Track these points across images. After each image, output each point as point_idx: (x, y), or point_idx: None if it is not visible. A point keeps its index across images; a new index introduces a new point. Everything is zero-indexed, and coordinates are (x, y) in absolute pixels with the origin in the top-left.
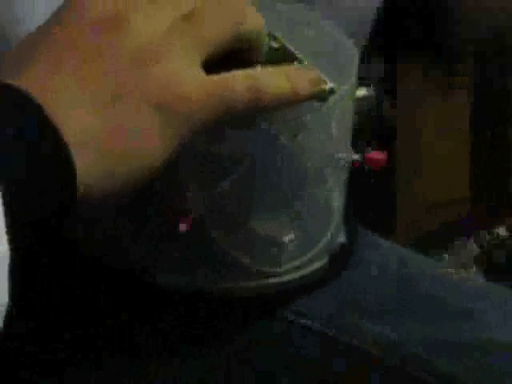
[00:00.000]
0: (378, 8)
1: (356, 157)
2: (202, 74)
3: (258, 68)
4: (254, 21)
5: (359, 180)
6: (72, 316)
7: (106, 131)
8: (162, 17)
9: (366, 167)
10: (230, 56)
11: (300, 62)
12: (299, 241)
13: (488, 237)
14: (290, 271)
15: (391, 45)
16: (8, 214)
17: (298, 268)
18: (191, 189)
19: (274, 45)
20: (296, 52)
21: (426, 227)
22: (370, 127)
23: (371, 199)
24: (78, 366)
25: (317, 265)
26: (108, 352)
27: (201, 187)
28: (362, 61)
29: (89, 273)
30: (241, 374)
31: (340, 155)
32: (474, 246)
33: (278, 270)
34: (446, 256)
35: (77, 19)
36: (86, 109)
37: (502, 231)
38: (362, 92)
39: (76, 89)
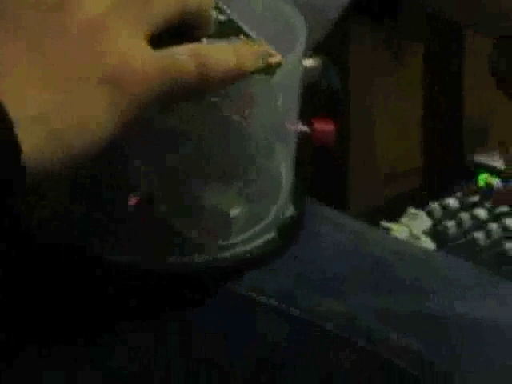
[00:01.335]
0: None
1: (304, 128)
2: (149, 49)
3: (204, 41)
4: None
5: (311, 153)
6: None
7: (55, 107)
8: None
9: (317, 140)
10: (176, 29)
11: (247, 35)
12: (247, 214)
13: (439, 208)
14: (238, 245)
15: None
16: None
17: (247, 241)
18: (138, 164)
19: (221, 18)
20: (242, 25)
21: (378, 199)
22: (319, 98)
23: (323, 172)
24: (32, 346)
25: (266, 237)
26: (62, 333)
27: (148, 162)
28: None
29: (39, 258)
30: (197, 350)
31: (288, 127)
32: (426, 217)
33: (227, 243)
34: (397, 227)
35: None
36: (35, 86)
37: (452, 203)
38: (309, 62)
39: (25, 67)
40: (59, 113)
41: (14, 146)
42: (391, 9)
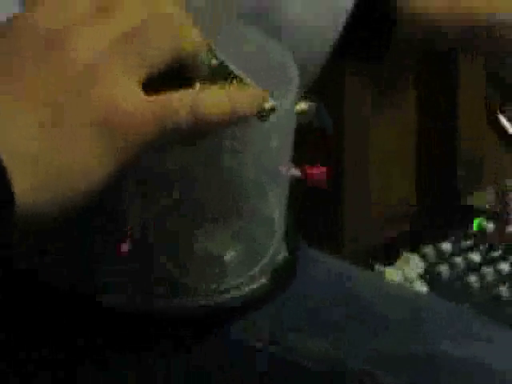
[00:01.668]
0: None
1: (297, 172)
2: (142, 94)
3: (197, 85)
4: (194, 39)
5: (306, 195)
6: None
7: (45, 154)
8: (102, 36)
9: (310, 183)
10: (170, 73)
11: (240, 79)
12: (241, 258)
13: (433, 252)
14: (233, 289)
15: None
16: None
17: (241, 285)
18: (132, 208)
19: (214, 62)
20: (236, 69)
21: (372, 242)
22: (313, 141)
23: (318, 215)
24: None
25: (259, 282)
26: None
27: (141, 206)
28: None
29: (30, 294)
30: None
31: (280, 171)
32: (419, 260)
33: (220, 288)
34: (392, 270)
35: (13, 38)
36: (26, 132)
37: (446, 246)
38: (302, 106)
39: (16, 112)
40: (51, 157)
41: (6, 189)
42: (378, 53)
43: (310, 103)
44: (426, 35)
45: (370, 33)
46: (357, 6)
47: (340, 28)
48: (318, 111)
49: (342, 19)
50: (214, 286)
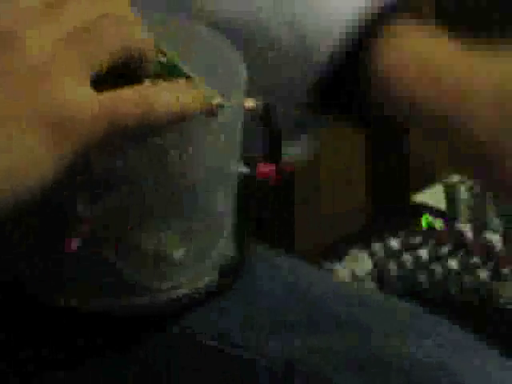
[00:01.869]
0: None
1: (245, 169)
2: (91, 91)
3: (146, 82)
4: (142, 36)
5: (256, 193)
6: None
7: None
8: (49, 34)
9: (258, 182)
10: (118, 70)
11: (188, 77)
12: (188, 255)
13: (381, 249)
14: (180, 286)
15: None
16: None
17: (189, 283)
18: (78, 206)
19: (163, 59)
20: (184, 67)
21: (322, 239)
22: (261, 139)
23: (269, 213)
24: None
25: (207, 279)
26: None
27: (88, 204)
28: None
29: None
30: None
31: (229, 169)
32: (368, 258)
33: (169, 284)
34: (341, 268)
35: None
36: None
37: (394, 244)
38: (250, 103)
39: None
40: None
41: None
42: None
43: (259, 101)
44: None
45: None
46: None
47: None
48: (267, 109)
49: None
50: (163, 284)
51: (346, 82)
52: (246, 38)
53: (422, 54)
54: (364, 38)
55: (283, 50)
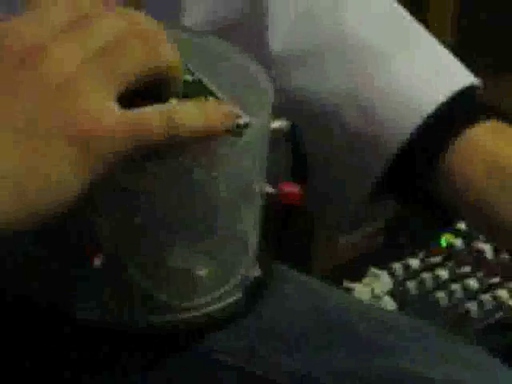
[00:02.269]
0: None
1: (270, 190)
2: (117, 108)
3: (173, 101)
4: (169, 54)
5: (279, 212)
6: None
7: (22, 168)
8: (77, 50)
9: (283, 203)
10: (146, 88)
11: (214, 95)
12: (213, 274)
13: (401, 268)
14: (204, 305)
15: None
16: None
17: (213, 302)
18: (103, 223)
19: (189, 78)
20: (211, 86)
21: (341, 258)
22: (286, 159)
23: (290, 233)
24: None
25: (231, 299)
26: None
27: (113, 221)
28: None
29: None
30: None
31: (254, 188)
32: (388, 277)
33: (193, 304)
34: (360, 287)
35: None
36: (3, 147)
37: (414, 263)
38: (276, 124)
39: None
40: (26, 171)
41: None
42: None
43: (285, 121)
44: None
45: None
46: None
47: None
48: (293, 129)
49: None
50: (186, 302)
51: (417, 174)
52: (316, 118)
53: (493, 154)
54: (440, 134)
55: (353, 135)
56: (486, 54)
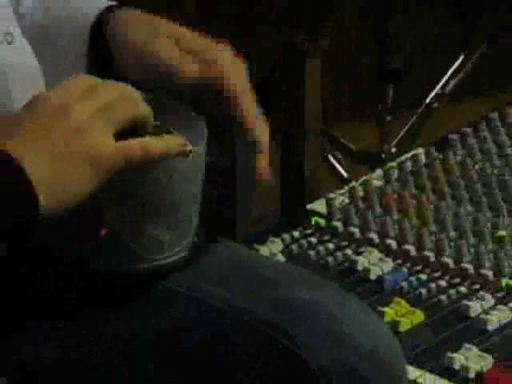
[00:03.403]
0: None
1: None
2: (113, 141)
3: (146, 136)
4: (144, 109)
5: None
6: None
7: (55, 177)
8: (90, 106)
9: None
10: (130, 129)
11: (171, 132)
12: (172, 239)
13: (289, 237)
14: (166, 258)
15: None
16: None
17: (170, 256)
18: (107, 207)
19: (155, 123)
20: (168, 127)
21: (252, 230)
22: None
23: (219, 214)
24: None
25: (182, 254)
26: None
27: (113, 207)
28: None
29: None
30: (133, 329)
31: (196, 186)
32: (280, 242)
33: (159, 257)
34: (263, 248)
35: (38, 107)
36: (42, 166)
37: (296, 234)
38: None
39: (40, 155)
40: (58, 179)
41: (34, 201)
42: None
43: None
44: None
45: None
46: None
47: None
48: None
49: None
50: (156, 256)
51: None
52: None
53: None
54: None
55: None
56: None
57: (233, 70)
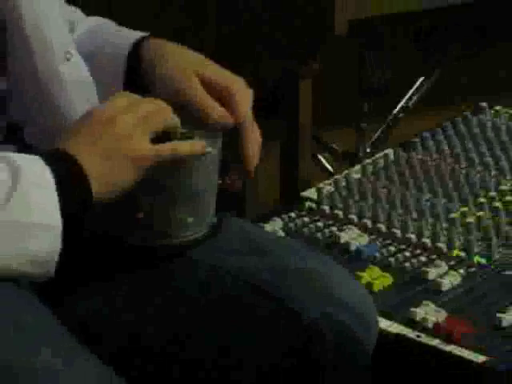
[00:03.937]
0: None
1: (220, 181)
2: (150, 143)
3: (175, 140)
4: (174, 119)
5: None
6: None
7: (103, 171)
8: (132, 117)
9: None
10: (163, 133)
11: (193, 138)
12: (195, 221)
13: (287, 217)
14: (190, 235)
15: None
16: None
17: (194, 234)
18: (143, 196)
19: (182, 130)
20: (192, 133)
21: (259, 213)
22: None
23: (230, 202)
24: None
25: (203, 232)
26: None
27: (147, 196)
28: None
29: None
30: (168, 292)
31: (214, 178)
32: (280, 221)
33: (185, 235)
34: (267, 226)
35: (92, 117)
36: (97, 163)
37: (292, 215)
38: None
39: (93, 154)
40: (106, 174)
41: (88, 187)
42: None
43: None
44: None
45: None
46: None
47: None
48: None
49: None
50: (183, 234)
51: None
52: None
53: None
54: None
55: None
56: None
57: (245, 102)
